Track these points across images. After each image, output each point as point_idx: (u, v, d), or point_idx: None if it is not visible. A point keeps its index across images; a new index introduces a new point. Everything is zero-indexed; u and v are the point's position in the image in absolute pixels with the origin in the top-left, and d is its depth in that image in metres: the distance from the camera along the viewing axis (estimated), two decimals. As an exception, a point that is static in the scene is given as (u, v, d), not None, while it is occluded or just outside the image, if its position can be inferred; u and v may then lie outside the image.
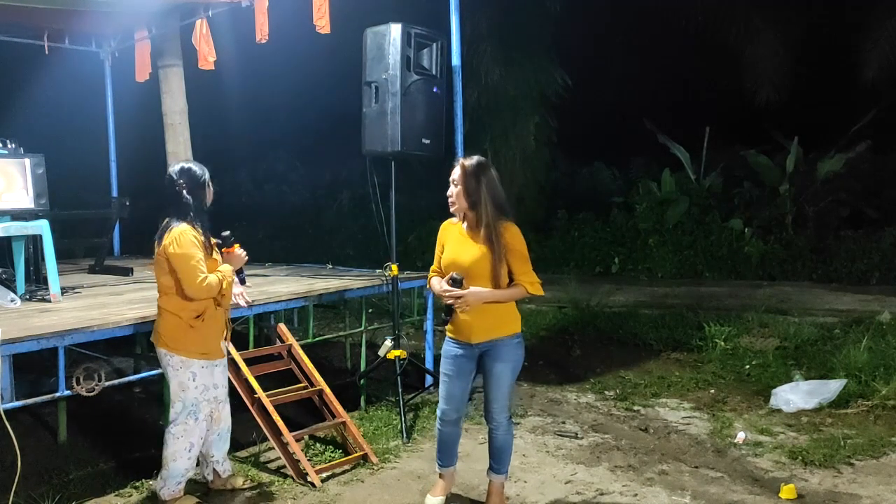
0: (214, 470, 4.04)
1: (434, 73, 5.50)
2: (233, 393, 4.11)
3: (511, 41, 11.90)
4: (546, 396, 5.92)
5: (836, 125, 12.11)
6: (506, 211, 3.54)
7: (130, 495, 4.06)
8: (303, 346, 5.04)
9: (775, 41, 12.39)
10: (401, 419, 4.93)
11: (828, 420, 5.18)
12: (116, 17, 7.57)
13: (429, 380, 5.85)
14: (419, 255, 11.75)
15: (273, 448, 4.42)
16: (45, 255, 5.19)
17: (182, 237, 3.60)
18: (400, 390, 5.14)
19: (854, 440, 4.71)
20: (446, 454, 3.81)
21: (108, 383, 4.09)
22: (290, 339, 5.03)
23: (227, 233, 3.81)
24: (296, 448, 4.29)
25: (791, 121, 12.10)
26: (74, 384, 3.93)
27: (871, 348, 6.20)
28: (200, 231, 3.68)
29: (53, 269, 5.16)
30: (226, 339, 3.92)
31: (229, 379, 4.10)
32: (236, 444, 4.19)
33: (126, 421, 5.28)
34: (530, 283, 3.51)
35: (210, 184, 3.81)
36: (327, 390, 4.77)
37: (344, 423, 4.66)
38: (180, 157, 7.18)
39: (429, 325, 6.10)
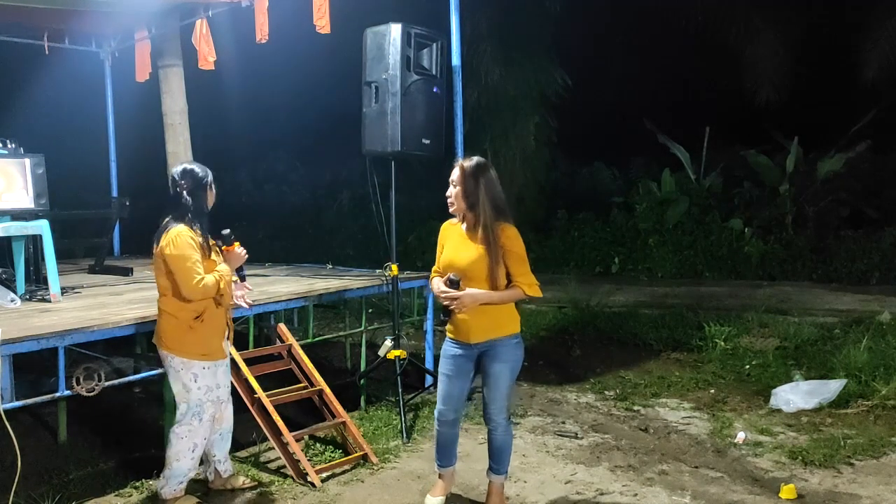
0: (215, 469, 4.05)
1: (434, 73, 5.50)
2: (233, 393, 4.11)
3: (511, 41, 11.89)
4: (546, 396, 5.92)
5: (836, 125, 12.11)
6: (505, 212, 3.53)
7: (130, 495, 4.06)
8: (303, 346, 5.04)
9: (775, 41, 12.39)
10: (401, 419, 4.93)
11: (828, 420, 5.18)
12: (116, 17, 7.57)
13: (429, 380, 5.85)
14: (419, 255, 11.76)
15: (273, 448, 4.42)
16: (45, 255, 5.19)
17: (178, 238, 3.59)
18: (400, 390, 5.14)
19: (854, 440, 4.71)
20: (445, 454, 3.81)
21: (108, 383, 4.09)
22: (290, 339, 5.03)
23: (226, 231, 3.80)
24: (296, 448, 4.29)
25: (791, 121, 12.10)
26: (74, 384, 3.93)
27: (871, 348, 6.20)
28: (199, 232, 3.67)
29: (53, 269, 5.16)
30: (228, 338, 3.92)
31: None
32: (236, 444, 4.19)
33: (126, 421, 5.29)
34: (528, 284, 3.51)
35: (212, 186, 3.81)
36: (327, 390, 4.78)
37: (344, 423, 4.66)
38: (180, 157, 7.18)
39: (429, 325, 6.10)
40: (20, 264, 5.35)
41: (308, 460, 4.30)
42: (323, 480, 4.19)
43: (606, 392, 6.01)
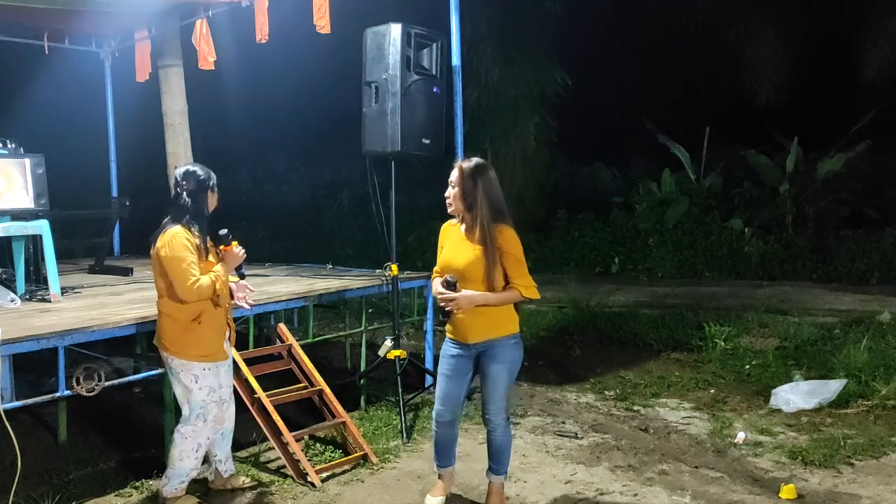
0: (216, 469, 4.05)
1: (434, 73, 5.49)
2: (234, 393, 4.11)
3: (511, 41, 11.88)
4: (546, 396, 5.92)
5: (836, 125, 12.11)
6: (503, 214, 3.52)
7: (130, 495, 4.06)
8: (303, 346, 5.04)
9: (775, 41, 12.39)
10: (401, 419, 4.93)
11: (828, 420, 5.18)
12: (116, 17, 7.57)
13: (429, 380, 5.85)
14: (419, 255, 11.77)
15: (273, 448, 4.43)
16: (45, 255, 5.19)
17: (174, 240, 3.59)
18: (400, 390, 5.14)
19: (854, 440, 4.71)
20: (444, 455, 3.81)
21: (108, 383, 4.09)
22: (290, 339, 5.03)
23: (224, 231, 3.78)
24: (296, 448, 4.29)
25: (791, 121, 12.10)
26: (74, 384, 3.92)
27: (871, 348, 6.20)
28: (196, 233, 3.66)
29: (53, 269, 5.16)
30: (229, 339, 3.92)
31: (229, 379, 4.09)
32: (236, 444, 4.19)
33: (126, 421, 5.29)
34: (525, 286, 3.50)
35: (215, 189, 3.80)
36: (327, 390, 4.78)
37: (344, 423, 4.66)
38: (180, 157, 7.18)
39: (429, 325, 6.10)
40: (20, 264, 5.35)
41: (308, 460, 4.30)
42: (323, 480, 4.19)
43: (606, 392, 6.01)
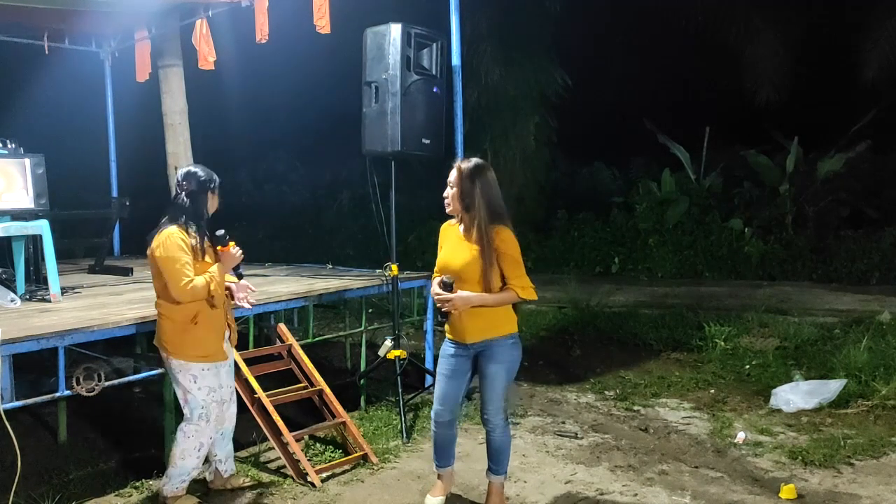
0: (216, 469, 4.05)
1: (434, 73, 5.49)
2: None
3: (511, 41, 11.89)
4: (546, 396, 5.92)
5: (836, 125, 12.11)
6: (501, 216, 3.52)
7: (130, 495, 4.06)
8: (303, 346, 5.04)
9: (775, 41, 12.39)
10: (401, 419, 4.93)
11: (828, 420, 5.18)
12: (116, 17, 7.57)
13: (429, 380, 5.85)
14: (419, 255, 11.77)
15: (273, 448, 4.43)
16: (45, 255, 5.19)
17: (169, 240, 3.59)
18: (400, 390, 5.14)
19: (854, 440, 4.71)
20: (443, 454, 3.81)
21: (108, 383, 4.09)
22: (290, 339, 5.03)
23: (221, 231, 3.76)
24: (296, 448, 4.29)
25: (791, 121, 12.09)
26: (74, 384, 3.92)
27: (871, 348, 6.20)
28: (193, 234, 3.65)
29: (53, 269, 5.16)
30: (229, 339, 3.91)
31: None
32: (236, 444, 4.19)
33: (126, 421, 5.29)
34: (522, 287, 3.49)
35: (215, 190, 3.78)
36: (327, 390, 4.78)
37: (344, 423, 4.66)
38: (180, 157, 7.18)
39: (429, 325, 6.10)
40: (20, 264, 5.35)
41: (308, 460, 4.30)
42: (323, 480, 4.19)
43: (606, 392, 6.01)
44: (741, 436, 4.86)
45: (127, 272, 6.71)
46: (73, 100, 11.01)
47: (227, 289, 3.89)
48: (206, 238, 3.73)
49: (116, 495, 4.06)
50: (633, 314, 8.38)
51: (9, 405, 3.72)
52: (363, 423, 5.14)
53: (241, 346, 4.73)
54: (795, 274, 11.02)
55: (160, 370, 4.10)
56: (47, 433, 4.94)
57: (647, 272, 12.06)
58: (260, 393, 4.43)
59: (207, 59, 6.85)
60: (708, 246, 11.90)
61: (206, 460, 4.01)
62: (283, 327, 5.13)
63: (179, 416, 3.84)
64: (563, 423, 5.24)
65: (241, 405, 4.16)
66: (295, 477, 4.23)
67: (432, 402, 3.76)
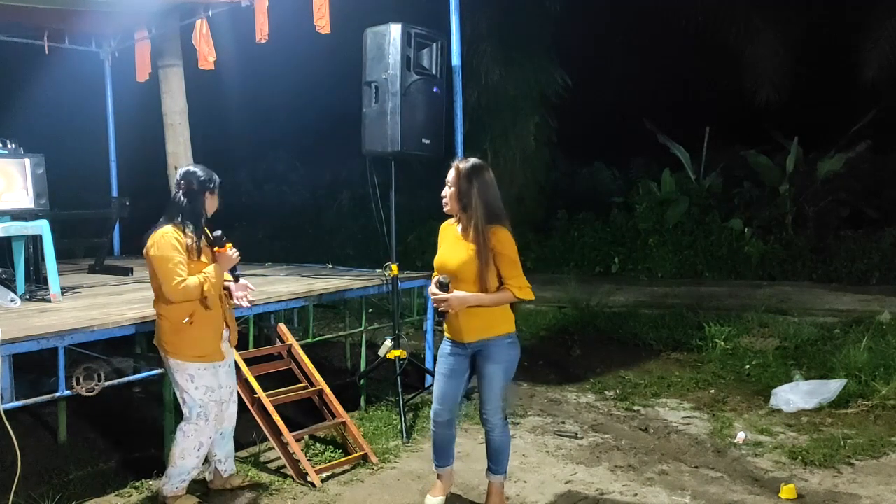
0: (215, 469, 4.05)
1: (434, 73, 5.50)
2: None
3: (511, 41, 11.88)
4: (546, 396, 5.92)
5: (836, 125, 12.11)
6: (499, 216, 3.51)
7: (130, 495, 4.06)
8: (303, 346, 5.04)
9: (775, 41, 12.39)
10: (401, 419, 4.93)
11: (828, 420, 5.18)
12: (116, 17, 7.57)
13: (429, 380, 5.85)
14: (419, 255, 11.76)
15: (273, 448, 4.43)
16: (45, 255, 5.19)
17: (163, 239, 3.58)
18: (400, 390, 5.14)
19: (854, 440, 4.71)
20: (442, 454, 3.81)
21: (108, 383, 4.09)
22: (290, 339, 5.03)
23: (218, 232, 3.75)
24: (296, 448, 4.29)
25: (791, 121, 12.09)
26: (74, 384, 3.93)
27: (871, 348, 6.20)
28: (189, 233, 3.64)
29: (53, 269, 5.16)
30: (229, 339, 3.89)
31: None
32: (236, 444, 4.19)
33: (126, 421, 5.29)
34: (518, 287, 3.49)
35: (214, 191, 3.77)
36: (327, 390, 4.78)
37: (344, 423, 4.66)
38: (180, 157, 7.18)
39: (429, 325, 6.10)
40: (20, 264, 5.35)
41: (308, 460, 4.30)
42: (323, 480, 4.19)
43: (606, 392, 6.01)
44: (741, 436, 4.86)
45: (127, 272, 6.71)
46: (73, 100, 11.01)
47: (226, 289, 3.89)
48: (202, 238, 3.71)
49: (116, 495, 4.06)
50: (633, 314, 8.38)
51: (9, 405, 3.72)
52: (363, 423, 5.14)
53: (241, 346, 4.73)
54: (795, 274, 11.02)
55: (160, 370, 4.10)
56: (47, 433, 4.94)
57: (647, 272, 12.06)
58: (260, 393, 4.43)
59: (207, 59, 6.85)
60: (708, 246, 11.90)
61: (206, 460, 4.01)
62: (283, 327, 5.13)
63: (179, 415, 3.84)
64: (563, 423, 5.24)
65: (241, 405, 4.17)
66: (295, 477, 4.23)
67: (432, 402, 3.76)
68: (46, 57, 8.24)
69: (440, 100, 5.58)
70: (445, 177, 3.63)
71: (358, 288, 5.69)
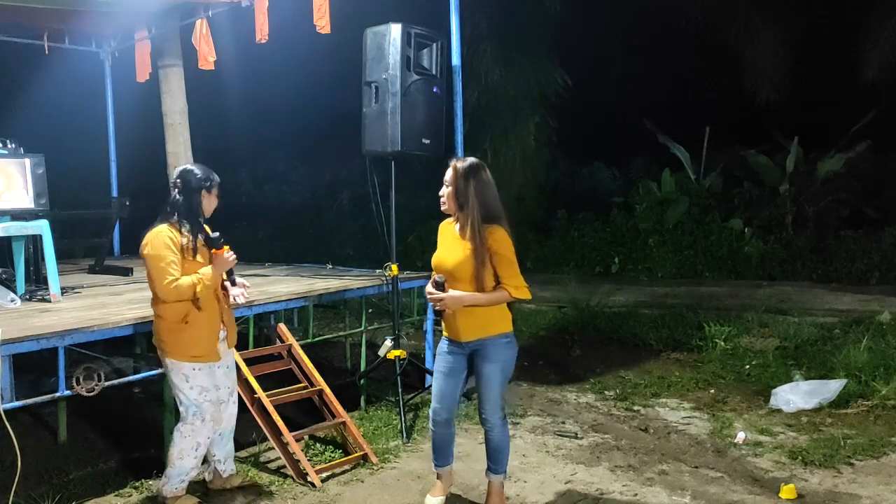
0: (215, 469, 4.04)
1: (434, 73, 5.50)
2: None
3: (511, 41, 11.90)
4: (546, 396, 5.92)
5: (836, 125, 12.10)
6: (496, 216, 3.51)
7: (130, 495, 4.06)
8: (303, 346, 5.04)
9: (775, 41, 12.39)
10: (401, 419, 4.93)
11: (828, 420, 5.18)
12: (116, 17, 7.57)
13: (429, 380, 5.84)
14: (419, 255, 11.75)
15: (273, 448, 4.43)
16: (45, 255, 5.19)
17: (157, 238, 3.58)
18: (400, 390, 5.14)
19: (854, 440, 4.71)
20: (442, 454, 3.81)
21: (108, 383, 4.09)
22: (290, 339, 5.03)
23: (216, 234, 3.72)
24: (296, 448, 4.29)
25: (791, 121, 12.09)
26: (74, 384, 3.92)
27: (871, 348, 6.20)
28: (184, 232, 3.62)
29: (53, 269, 5.16)
30: (225, 340, 3.87)
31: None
32: (236, 444, 4.19)
33: (126, 421, 5.28)
34: (514, 287, 3.49)
35: (212, 190, 3.75)
36: (327, 390, 4.78)
37: (344, 423, 4.66)
38: (180, 157, 7.18)
39: (429, 325, 6.10)
40: (20, 264, 5.35)
41: (308, 460, 4.30)
42: (323, 480, 4.19)
43: (606, 392, 6.01)
44: (741, 436, 4.86)
45: (127, 272, 6.71)
46: (73, 100, 11.01)
47: (224, 288, 3.88)
48: (199, 237, 3.69)
49: (116, 495, 4.06)
50: (633, 314, 8.38)
51: (9, 405, 3.72)
52: (363, 423, 5.14)
53: (241, 346, 4.73)
54: (795, 274, 11.01)
55: (160, 370, 4.10)
56: (47, 433, 4.94)
57: (647, 272, 12.06)
58: (260, 393, 4.43)
59: (207, 59, 6.85)
60: (708, 246, 11.90)
61: (206, 460, 4.01)
62: (283, 327, 5.13)
63: (178, 415, 3.84)
64: (563, 423, 5.24)
65: (241, 405, 4.16)
66: (295, 477, 4.23)
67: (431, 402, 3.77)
68: (46, 57, 8.24)
69: (440, 100, 5.58)
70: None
71: (358, 288, 5.69)
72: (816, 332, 7.09)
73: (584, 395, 5.95)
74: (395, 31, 5.21)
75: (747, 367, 6.44)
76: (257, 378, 4.53)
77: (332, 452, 4.63)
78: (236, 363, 4.42)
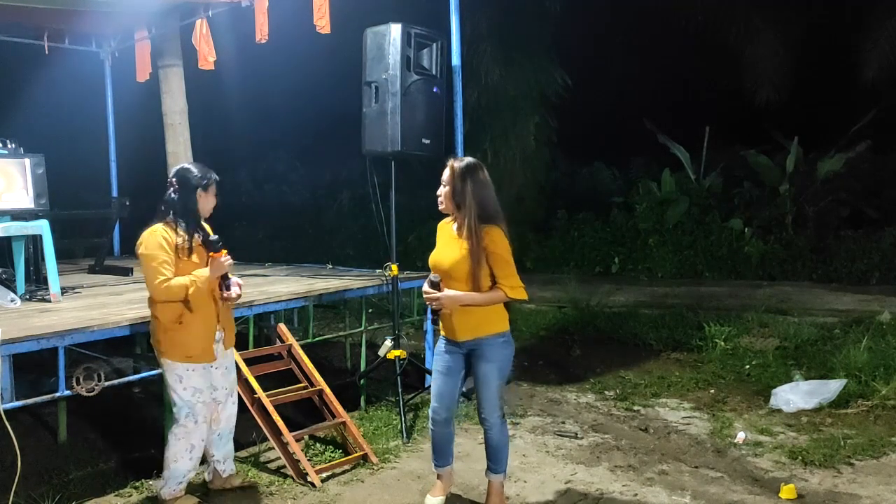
0: (215, 469, 4.04)
1: (434, 73, 5.50)
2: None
3: (511, 41, 11.89)
4: (546, 396, 5.92)
5: (836, 125, 12.10)
6: (493, 216, 3.51)
7: (130, 495, 4.06)
8: (303, 346, 5.04)
9: (775, 41, 12.39)
10: (401, 419, 4.93)
11: (828, 420, 5.18)
12: (116, 17, 7.57)
13: (428, 380, 5.83)
14: (419, 255, 11.74)
15: (273, 448, 4.43)
16: (45, 255, 5.19)
17: (150, 237, 3.58)
18: (400, 390, 5.14)
19: (854, 440, 4.71)
20: (441, 454, 3.81)
21: (108, 383, 4.09)
22: (290, 339, 5.03)
23: (215, 237, 3.69)
24: (296, 448, 4.29)
25: (791, 121, 12.09)
26: (74, 384, 3.92)
27: (871, 348, 6.20)
28: (180, 232, 3.61)
29: (53, 269, 5.16)
30: (222, 341, 3.83)
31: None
32: (236, 444, 4.19)
33: (126, 421, 5.28)
34: (511, 287, 3.49)
35: (209, 188, 3.72)
36: (327, 390, 4.78)
37: (344, 423, 4.66)
38: (180, 157, 7.18)
39: (429, 325, 6.10)
40: (20, 264, 5.35)
41: (308, 460, 4.30)
42: (323, 480, 4.19)
43: (606, 392, 6.01)
44: (741, 436, 4.86)
45: (127, 272, 6.72)
46: (73, 100, 11.01)
47: (221, 289, 3.83)
48: (195, 236, 3.66)
49: (116, 495, 4.06)
50: (633, 314, 8.38)
51: (9, 405, 3.72)
52: (363, 423, 5.14)
53: (241, 346, 4.73)
54: (795, 274, 11.01)
55: (159, 370, 4.09)
56: (47, 433, 4.94)
57: (647, 272, 12.06)
58: (260, 393, 4.43)
59: (207, 59, 6.85)
60: (708, 246, 11.90)
61: (205, 461, 4.01)
62: (283, 327, 5.13)
63: (177, 416, 3.84)
64: (563, 423, 5.24)
65: (241, 405, 4.16)
66: (295, 477, 4.23)
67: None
68: (46, 57, 8.24)
69: (440, 100, 5.58)
70: (443, 176, 3.64)
71: (358, 288, 5.69)
72: (816, 332, 7.09)
73: (584, 395, 5.95)
74: (395, 31, 5.22)
75: (747, 367, 6.44)
76: (257, 378, 4.53)
77: (332, 452, 4.63)
78: (236, 363, 4.42)
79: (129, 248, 8.68)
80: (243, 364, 4.51)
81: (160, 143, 7.46)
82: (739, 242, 11.65)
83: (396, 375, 5.24)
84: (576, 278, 10.92)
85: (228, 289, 3.76)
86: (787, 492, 3.95)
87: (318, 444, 4.76)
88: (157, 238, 3.57)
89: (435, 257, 3.64)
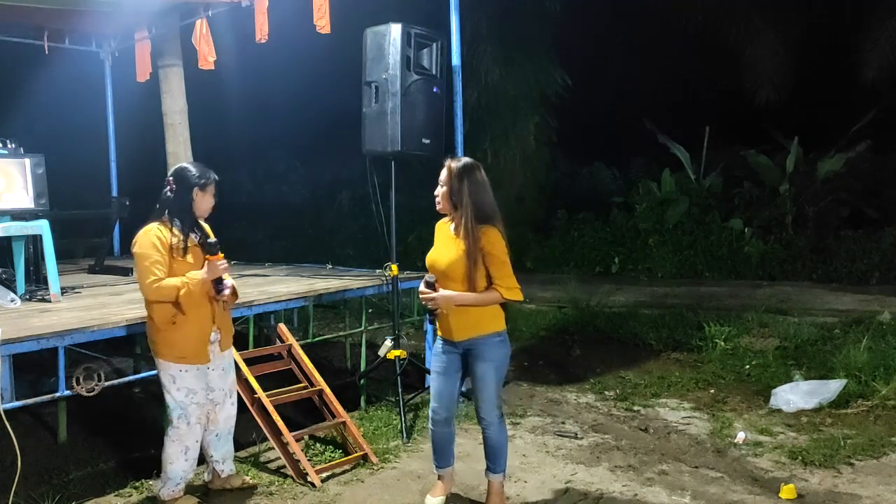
0: (214, 470, 4.04)
1: (434, 73, 5.50)
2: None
3: (511, 41, 11.89)
4: (546, 396, 5.92)
5: (836, 125, 12.10)
6: (490, 216, 3.51)
7: (130, 495, 4.06)
8: (303, 346, 5.04)
9: (775, 41, 12.39)
10: (401, 419, 4.93)
11: (828, 420, 5.18)
12: (116, 17, 7.57)
13: (428, 380, 5.82)
14: (419, 255, 11.67)
15: (273, 448, 4.43)
16: (45, 255, 5.19)
17: (144, 236, 3.57)
18: (400, 390, 5.14)
19: (854, 440, 4.71)
20: (442, 455, 3.81)
21: (108, 383, 4.09)
22: (290, 339, 5.04)
23: (213, 240, 3.68)
24: (296, 448, 4.29)
25: (791, 121, 12.08)
26: (74, 384, 3.92)
27: (871, 348, 6.20)
28: (176, 231, 3.60)
29: (53, 269, 5.16)
30: (220, 342, 3.81)
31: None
32: (236, 444, 4.19)
33: (126, 421, 5.28)
34: (507, 288, 3.49)
35: (207, 188, 3.69)
36: (327, 390, 4.78)
37: (344, 423, 4.66)
38: (180, 157, 7.18)
39: (428, 324, 6.09)
40: (20, 264, 5.36)
41: (308, 460, 4.30)
42: (323, 480, 4.19)
43: (606, 392, 6.01)
44: (741, 436, 4.86)
45: (127, 272, 6.71)
46: (73, 100, 11.00)
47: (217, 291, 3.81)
48: (191, 236, 3.64)
49: (116, 495, 4.06)
50: (633, 314, 8.37)
51: (9, 405, 3.72)
52: (363, 423, 5.14)
53: (241, 346, 4.73)
54: (795, 274, 11.01)
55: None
56: (47, 433, 4.94)
57: (647, 272, 12.06)
58: (260, 393, 4.43)
59: (207, 59, 6.85)
60: (708, 246, 11.89)
61: (204, 461, 4.00)
62: (283, 327, 5.13)
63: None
64: (563, 423, 5.24)
65: (241, 405, 4.16)
66: (295, 477, 4.23)
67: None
68: (46, 57, 8.23)
69: (440, 100, 5.59)
70: (441, 176, 3.64)
71: (358, 288, 5.69)
72: (816, 332, 7.09)
73: (584, 396, 5.95)
74: (395, 31, 5.22)
75: (747, 367, 6.44)
76: (257, 378, 4.53)
77: (332, 452, 4.63)
78: (236, 363, 4.42)
79: (128, 248, 8.65)
80: (243, 364, 4.51)
81: (160, 143, 7.47)
82: (739, 242, 11.64)
83: (396, 375, 5.24)
84: (576, 278, 10.92)
85: (220, 293, 3.69)
86: (787, 492, 3.95)
87: (318, 444, 4.76)
88: (150, 237, 3.56)
89: (432, 257, 3.64)
